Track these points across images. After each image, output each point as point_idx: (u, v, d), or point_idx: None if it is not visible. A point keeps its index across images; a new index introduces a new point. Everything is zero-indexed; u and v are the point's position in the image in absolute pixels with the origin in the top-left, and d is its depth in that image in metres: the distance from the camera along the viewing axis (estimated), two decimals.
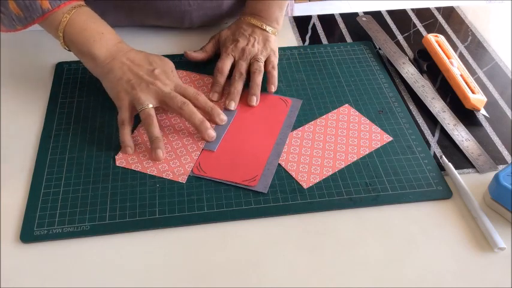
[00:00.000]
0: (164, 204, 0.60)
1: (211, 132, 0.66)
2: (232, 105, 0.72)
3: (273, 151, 0.66)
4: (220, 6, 0.85)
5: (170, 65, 0.71)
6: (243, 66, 0.75)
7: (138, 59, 0.69)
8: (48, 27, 0.70)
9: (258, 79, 0.74)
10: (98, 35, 0.68)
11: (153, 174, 0.63)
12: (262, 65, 0.75)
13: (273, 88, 0.75)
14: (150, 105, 0.65)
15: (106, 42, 0.68)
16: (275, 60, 0.77)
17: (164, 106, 0.67)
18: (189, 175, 0.63)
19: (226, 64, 0.75)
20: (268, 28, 0.78)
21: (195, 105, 0.67)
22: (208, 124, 0.67)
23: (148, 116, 0.65)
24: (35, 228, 0.58)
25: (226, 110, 0.72)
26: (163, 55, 0.80)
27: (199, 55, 0.79)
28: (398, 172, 0.64)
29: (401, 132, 0.70)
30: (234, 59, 0.76)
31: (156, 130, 0.65)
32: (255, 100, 0.73)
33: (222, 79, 0.74)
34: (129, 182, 0.63)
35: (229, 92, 0.73)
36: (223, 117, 0.69)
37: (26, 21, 0.67)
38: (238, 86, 0.74)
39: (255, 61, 0.75)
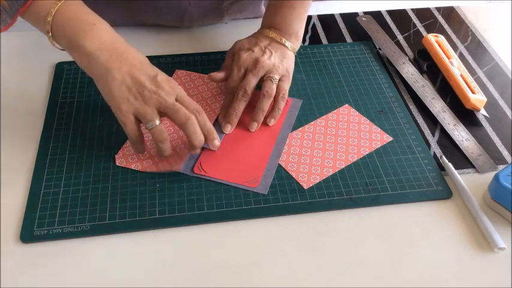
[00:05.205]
0: (164, 204, 0.60)
1: (198, 151, 0.63)
2: (228, 129, 0.68)
3: (273, 151, 0.66)
4: (220, 6, 0.85)
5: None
6: (251, 83, 0.68)
7: (139, 61, 0.62)
8: (34, 19, 0.61)
9: (266, 105, 0.68)
10: (89, 26, 0.60)
11: (153, 171, 0.63)
12: (275, 87, 0.68)
13: (272, 122, 0.69)
14: (158, 122, 0.60)
15: (98, 34, 0.60)
16: (287, 86, 0.70)
17: (166, 116, 0.62)
18: (189, 175, 0.63)
19: (238, 83, 0.69)
20: (287, 43, 0.72)
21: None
22: (202, 145, 0.63)
23: (160, 132, 0.60)
24: (35, 228, 0.58)
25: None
26: (164, 55, 0.81)
27: (221, 75, 0.71)
28: (398, 172, 0.64)
29: (401, 132, 0.70)
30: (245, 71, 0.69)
31: (169, 148, 0.62)
32: (255, 126, 0.68)
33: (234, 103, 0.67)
34: (129, 182, 0.63)
35: (228, 113, 0.68)
36: (216, 143, 0.64)
37: (11, 12, 0.59)
38: (239, 107, 0.67)
39: (267, 80, 0.68)
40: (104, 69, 0.60)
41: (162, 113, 0.61)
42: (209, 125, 0.63)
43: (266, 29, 0.74)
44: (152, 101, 0.59)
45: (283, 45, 0.72)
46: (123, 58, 0.61)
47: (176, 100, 0.61)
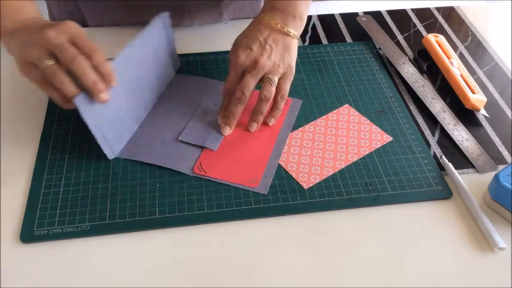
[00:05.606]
0: (164, 204, 0.60)
1: (103, 96, 0.57)
2: (227, 131, 0.67)
3: (273, 151, 0.66)
4: (219, 4, 0.85)
5: (79, 28, 0.59)
6: (249, 85, 0.66)
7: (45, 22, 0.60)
8: None
9: (264, 108, 0.67)
10: (15, 10, 0.61)
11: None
12: (274, 89, 0.67)
13: (272, 121, 0.69)
14: (50, 62, 0.56)
15: (14, 16, 0.61)
16: (288, 84, 0.68)
17: (57, 59, 0.57)
18: (189, 175, 0.63)
19: (235, 85, 0.67)
20: (289, 30, 0.67)
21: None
22: (101, 86, 0.57)
23: (53, 74, 0.56)
24: (35, 228, 0.58)
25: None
26: None
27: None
28: (398, 172, 0.64)
29: (401, 132, 0.70)
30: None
31: (70, 87, 0.56)
32: (255, 127, 0.68)
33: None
34: (129, 182, 0.63)
35: (226, 115, 0.67)
36: (114, 84, 0.58)
37: None
38: (236, 110, 0.66)
39: (266, 82, 0.66)
40: (9, 36, 0.59)
41: (53, 54, 0.57)
42: (106, 67, 0.57)
43: (267, 13, 0.68)
44: (39, 42, 0.56)
45: (286, 34, 0.67)
46: (28, 23, 0.60)
47: (71, 42, 0.57)
